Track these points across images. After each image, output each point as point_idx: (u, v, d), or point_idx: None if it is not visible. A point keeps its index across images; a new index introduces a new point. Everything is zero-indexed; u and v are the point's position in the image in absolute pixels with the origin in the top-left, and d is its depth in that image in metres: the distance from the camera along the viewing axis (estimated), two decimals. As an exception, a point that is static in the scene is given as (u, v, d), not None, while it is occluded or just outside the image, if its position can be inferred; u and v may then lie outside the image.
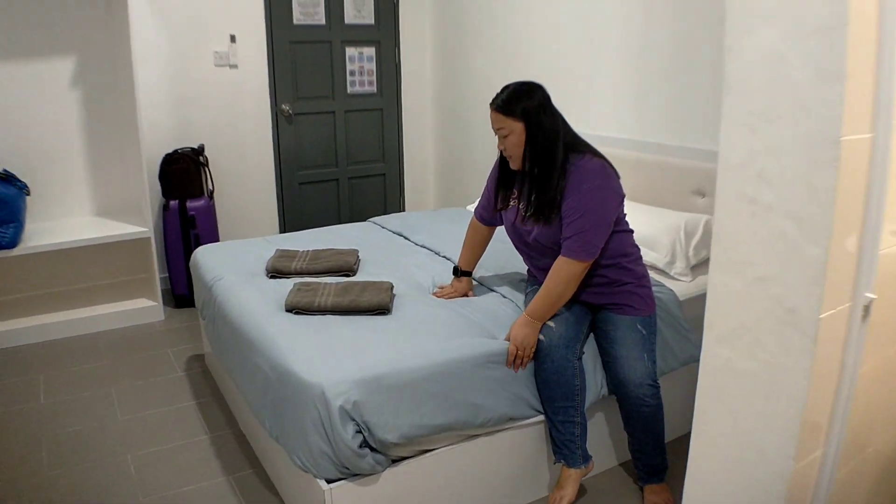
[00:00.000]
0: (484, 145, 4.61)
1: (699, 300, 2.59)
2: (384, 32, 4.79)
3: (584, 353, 2.22)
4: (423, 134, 5.15)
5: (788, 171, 1.28)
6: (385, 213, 5.07)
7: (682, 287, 2.60)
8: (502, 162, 2.34)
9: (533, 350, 2.15)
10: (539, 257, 2.31)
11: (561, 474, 2.24)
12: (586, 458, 2.21)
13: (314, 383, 1.91)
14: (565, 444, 2.19)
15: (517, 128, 2.14)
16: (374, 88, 4.86)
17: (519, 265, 2.63)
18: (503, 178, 2.37)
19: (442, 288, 2.60)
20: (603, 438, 2.45)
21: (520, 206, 2.29)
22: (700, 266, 2.78)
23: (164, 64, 4.06)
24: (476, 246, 2.58)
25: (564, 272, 2.13)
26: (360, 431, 1.90)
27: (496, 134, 2.20)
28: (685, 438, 2.69)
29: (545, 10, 3.90)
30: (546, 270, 2.28)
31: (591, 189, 2.10)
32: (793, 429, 1.37)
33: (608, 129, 3.52)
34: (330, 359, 2.02)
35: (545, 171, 2.15)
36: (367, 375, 1.94)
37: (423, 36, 4.94)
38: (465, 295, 2.53)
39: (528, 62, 4.08)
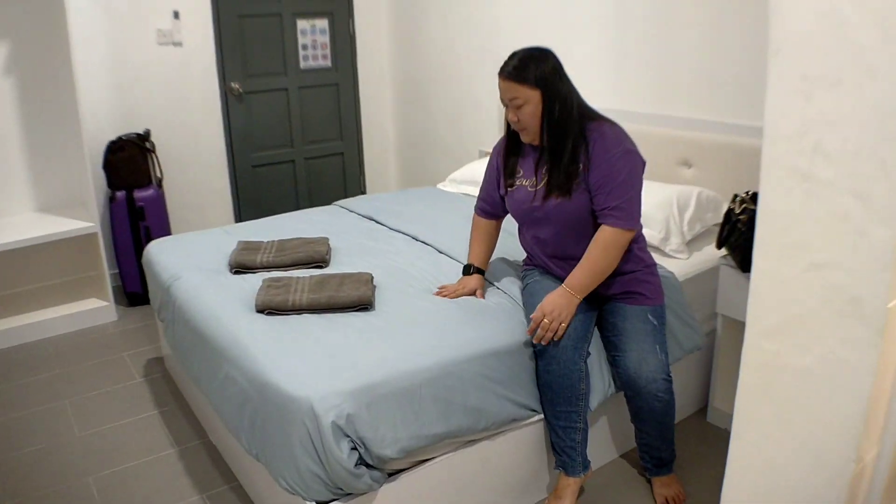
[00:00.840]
0: (448, 120, 4.40)
1: (698, 280, 2.47)
2: (337, 2, 4.52)
3: (590, 353, 2.06)
4: (382, 109, 4.91)
5: (851, 144, 1.12)
6: (345, 194, 4.84)
7: (679, 266, 2.46)
8: (509, 137, 2.15)
9: (564, 325, 1.95)
10: (552, 240, 2.13)
11: (559, 482, 2.09)
12: (586, 466, 2.07)
13: (301, 397, 1.71)
14: (565, 451, 2.04)
15: (533, 96, 1.96)
16: (328, 62, 4.60)
17: (512, 254, 2.46)
18: (509, 155, 2.18)
19: (444, 287, 2.30)
20: (603, 430, 2.31)
21: (529, 184, 2.11)
22: (694, 241, 2.65)
23: (104, 45, 3.74)
24: (486, 241, 2.34)
25: (612, 242, 1.97)
26: (355, 448, 1.70)
27: (508, 104, 2.00)
28: (687, 423, 2.61)
29: (511, -27, 3.69)
30: (558, 257, 2.13)
31: (623, 154, 1.97)
32: (855, 429, 1.23)
33: (586, 98, 3.33)
34: (315, 367, 1.82)
35: (563, 141, 1.99)
36: (360, 384, 1.75)
37: (378, 4, 4.68)
38: (474, 294, 2.25)
39: (494, 30, 3.87)
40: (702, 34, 2.84)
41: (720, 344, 2.48)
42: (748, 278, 2.25)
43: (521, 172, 2.15)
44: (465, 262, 2.34)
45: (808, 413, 1.28)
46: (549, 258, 2.17)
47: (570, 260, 2.09)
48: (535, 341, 1.97)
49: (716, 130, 2.81)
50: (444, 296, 2.23)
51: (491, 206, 2.30)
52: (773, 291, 1.27)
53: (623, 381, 2.06)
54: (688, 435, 2.51)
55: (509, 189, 2.18)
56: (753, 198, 2.26)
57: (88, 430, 2.64)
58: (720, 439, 2.49)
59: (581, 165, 1.99)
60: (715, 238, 2.62)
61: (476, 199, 2.36)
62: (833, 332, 1.20)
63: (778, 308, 1.27)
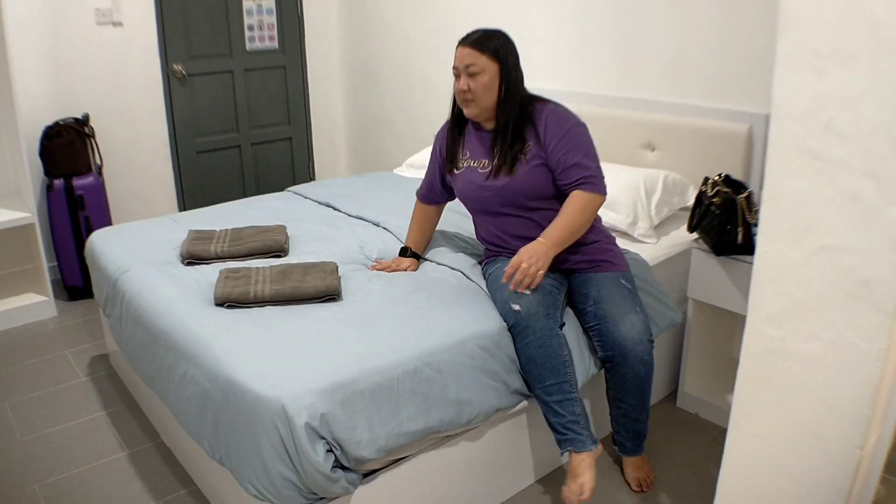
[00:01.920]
0: (400, 105, 4.29)
1: (668, 264, 2.45)
2: (284, -19, 4.34)
3: (564, 323, 2.01)
4: (332, 93, 4.76)
5: (865, 122, 1.07)
6: (294, 181, 4.69)
7: (648, 251, 2.43)
8: (454, 118, 2.19)
9: (541, 273, 1.93)
10: (507, 216, 2.13)
11: (571, 462, 1.93)
12: (594, 440, 1.94)
13: (270, 397, 1.60)
14: (568, 428, 1.91)
15: (491, 68, 2.02)
16: (275, 44, 4.42)
17: (472, 247, 2.39)
18: (453, 137, 2.21)
19: (379, 262, 2.36)
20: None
21: (479, 165, 2.13)
22: (661, 225, 2.62)
23: (39, 25, 3.49)
24: (425, 225, 2.40)
25: (586, 203, 2.01)
26: (331, 450, 1.60)
27: (463, 72, 2.03)
28: (657, 408, 2.58)
29: (467, -48, 3.59)
30: (513, 234, 2.14)
31: (576, 126, 2.05)
32: (862, 414, 1.20)
33: (545, 80, 3.27)
34: (284, 364, 1.71)
35: (515, 119, 2.03)
36: (333, 381, 1.64)
37: (326, -16, 4.51)
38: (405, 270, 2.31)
39: (449, 13, 3.76)
40: (666, 15, 2.81)
41: (691, 329, 2.46)
42: (721, 262, 2.25)
43: (468, 154, 2.17)
44: (403, 245, 2.40)
45: (814, 400, 1.24)
46: (509, 237, 2.16)
47: (527, 239, 2.06)
48: (512, 286, 1.93)
49: (679, 113, 2.79)
50: (380, 270, 2.29)
51: (431, 192, 2.35)
52: (778, 275, 1.23)
53: (609, 348, 2.00)
54: (658, 420, 2.49)
55: (456, 172, 2.20)
56: (726, 180, 2.24)
57: (31, 435, 2.46)
58: (690, 424, 2.48)
59: (529, 143, 2.04)
60: (682, 222, 2.61)
61: (419, 186, 2.40)
62: (842, 316, 1.16)
63: (784, 292, 1.23)
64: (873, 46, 1.04)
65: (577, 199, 2.01)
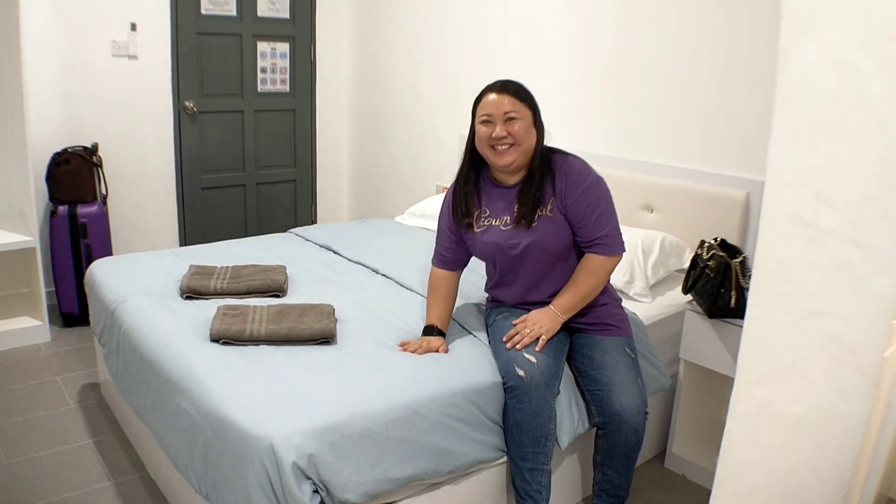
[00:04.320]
0: (405, 154, 4.36)
1: (661, 325, 2.47)
2: (300, 27, 4.46)
3: (559, 392, 2.00)
4: (339, 138, 4.84)
5: (855, 193, 1.11)
6: (296, 222, 4.72)
7: (643, 309, 2.45)
8: (467, 176, 2.14)
9: (545, 338, 1.98)
10: (530, 275, 2.10)
11: None
12: None
13: (259, 435, 1.60)
14: (530, 496, 1.95)
15: (528, 115, 2.02)
16: (286, 87, 4.51)
17: (477, 295, 2.41)
18: (470, 194, 2.13)
19: (407, 343, 2.10)
20: (566, 474, 2.25)
21: (502, 223, 2.09)
22: (657, 286, 2.65)
23: (56, 52, 3.58)
24: (447, 296, 2.19)
25: (599, 267, 2.03)
26: (317, 491, 1.60)
27: (499, 120, 1.99)
28: (645, 468, 2.57)
29: (480, 9, 3.70)
30: (527, 302, 2.10)
31: (596, 180, 2.04)
32: (844, 478, 1.21)
33: (547, 138, 3.33)
34: (275, 403, 1.72)
35: (542, 170, 2.04)
36: (323, 423, 1.65)
37: (340, 32, 4.64)
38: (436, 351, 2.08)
39: (457, 65, 3.86)
40: (667, 79, 2.89)
41: (682, 390, 2.47)
42: (714, 325, 2.28)
43: (487, 212, 2.11)
44: (426, 323, 2.16)
45: (798, 462, 1.25)
46: (521, 304, 2.15)
47: (539, 304, 2.08)
48: (509, 346, 1.96)
49: (679, 176, 2.84)
50: (411, 351, 2.05)
51: (451, 255, 2.20)
52: (767, 338, 1.25)
53: (606, 416, 1.99)
54: (645, 480, 2.48)
55: (476, 230, 2.11)
56: (722, 244, 2.28)
57: (16, 458, 2.44)
58: (677, 485, 2.47)
59: (551, 197, 2.03)
60: (677, 284, 2.64)
61: (434, 252, 2.25)
62: (828, 380, 1.18)
63: (771, 355, 1.25)
64: (865, 120, 1.08)
65: (590, 264, 2.03)
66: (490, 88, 2.03)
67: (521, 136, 1.99)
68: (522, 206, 2.03)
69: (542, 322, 2.00)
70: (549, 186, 2.03)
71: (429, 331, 2.13)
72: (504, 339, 1.99)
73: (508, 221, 2.07)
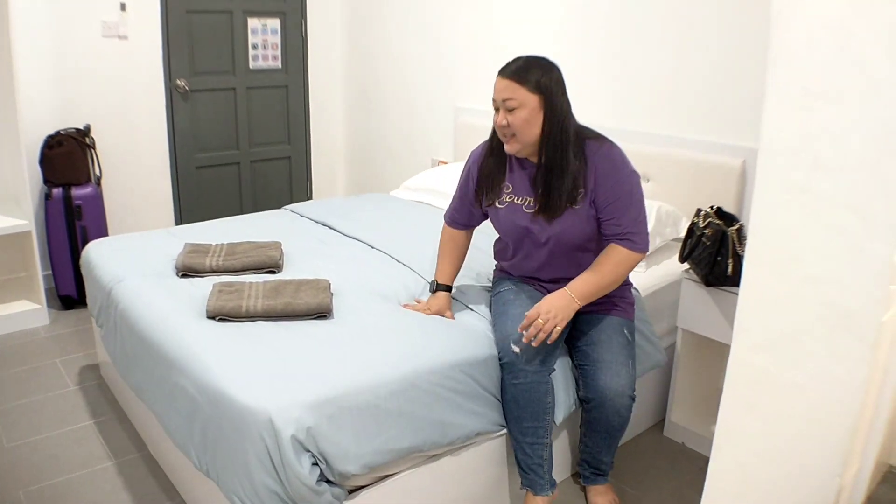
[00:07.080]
0: (400, 128, 4.34)
1: (659, 293, 2.47)
2: (290, 2, 4.40)
3: (554, 369, 2.00)
4: (332, 114, 4.80)
5: (851, 158, 1.10)
6: (291, 199, 4.71)
7: (638, 279, 2.45)
8: (493, 147, 2.06)
9: (559, 328, 1.86)
10: (545, 263, 2.07)
11: (525, 500, 2.01)
12: (553, 485, 2.01)
13: (258, 409, 1.60)
14: (532, 469, 1.97)
15: (530, 102, 1.87)
16: (278, 63, 4.47)
17: (479, 269, 2.40)
18: (492, 167, 2.07)
19: (417, 301, 2.21)
20: (560, 447, 2.26)
21: (524, 203, 2.02)
22: (653, 255, 2.65)
23: (45, 34, 3.53)
24: (455, 255, 2.21)
25: (624, 260, 1.94)
26: (316, 464, 1.61)
27: (501, 106, 1.90)
28: (644, 436, 2.59)
29: (471, -19, 3.65)
30: (544, 280, 2.09)
31: (630, 174, 1.94)
32: (843, 443, 1.22)
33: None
34: (273, 377, 1.72)
35: (562, 160, 1.90)
36: (321, 397, 1.65)
37: (332, 6, 4.58)
38: (442, 315, 2.13)
39: (452, 40, 3.82)
40: (664, 48, 2.86)
41: (679, 358, 2.47)
42: (711, 293, 2.28)
43: (511, 188, 2.05)
44: (432, 278, 2.22)
45: (796, 428, 1.26)
46: (533, 279, 2.13)
47: (556, 283, 2.04)
48: (525, 340, 1.86)
49: (674, 145, 2.83)
50: (416, 311, 2.12)
51: (464, 217, 2.19)
52: (763, 306, 1.25)
53: (590, 391, 1.99)
54: (644, 449, 2.50)
55: (498, 206, 2.07)
56: (718, 212, 2.27)
57: (18, 441, 2.45)
58: (676, 453, 2.49)
59: (581, 190, 1.93)
60: (672, 253, 2.64)
61: (447, 209, 2.25)
62: (825, 346, 1.19)
63: (768, 322, 1.25)
64: (861, 85, 1.07)
65: (614, 255, 1.94)
66: (502, 70, 1.92)
67: (518, 126, 1.89)
68: (544, 196, 1.95)
69: (556, 310, 1.86)
70: (580, 178, 1.91)
71: (432, 286, 2.19)
72: (519, 329, 1.89)
73: (531, 204, 2.00)
